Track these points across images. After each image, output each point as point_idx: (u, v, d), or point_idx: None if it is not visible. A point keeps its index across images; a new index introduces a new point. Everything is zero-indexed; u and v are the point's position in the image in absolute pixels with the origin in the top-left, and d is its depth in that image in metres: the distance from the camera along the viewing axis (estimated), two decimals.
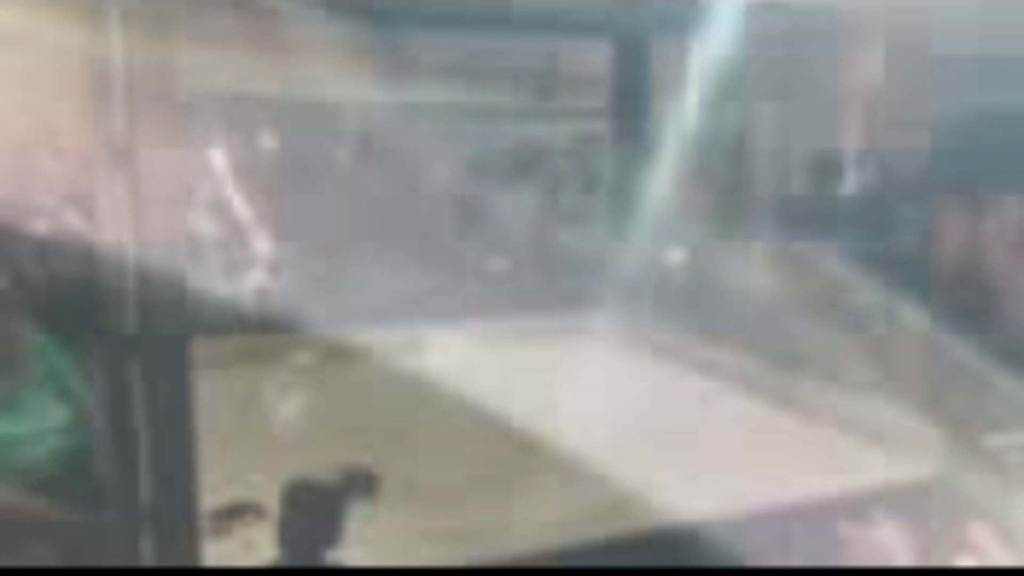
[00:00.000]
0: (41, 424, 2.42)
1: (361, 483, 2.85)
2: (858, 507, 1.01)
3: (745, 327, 4.33)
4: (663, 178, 4.69)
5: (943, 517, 0.88)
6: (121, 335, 1.97)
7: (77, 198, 3.85)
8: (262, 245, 5.10)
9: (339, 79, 6.44)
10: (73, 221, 3.68)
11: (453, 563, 2.35)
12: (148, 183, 1.82)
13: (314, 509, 2.14)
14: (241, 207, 5.10)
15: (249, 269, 5.09)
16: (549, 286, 5.51)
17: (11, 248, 2.94)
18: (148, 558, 2.00)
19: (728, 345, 4.14)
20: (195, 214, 4.84)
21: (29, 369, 2.43)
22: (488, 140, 7.03)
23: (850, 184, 5.73)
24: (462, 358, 4.17)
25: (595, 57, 5.08)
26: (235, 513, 2.66)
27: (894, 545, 0.92)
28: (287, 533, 2.10)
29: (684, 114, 5.56)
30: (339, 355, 4.11)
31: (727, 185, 5.32)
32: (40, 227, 3.47)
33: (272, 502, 2.11)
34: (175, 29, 1.86)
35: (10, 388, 2.40)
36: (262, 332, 4.39)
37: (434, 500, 2.88)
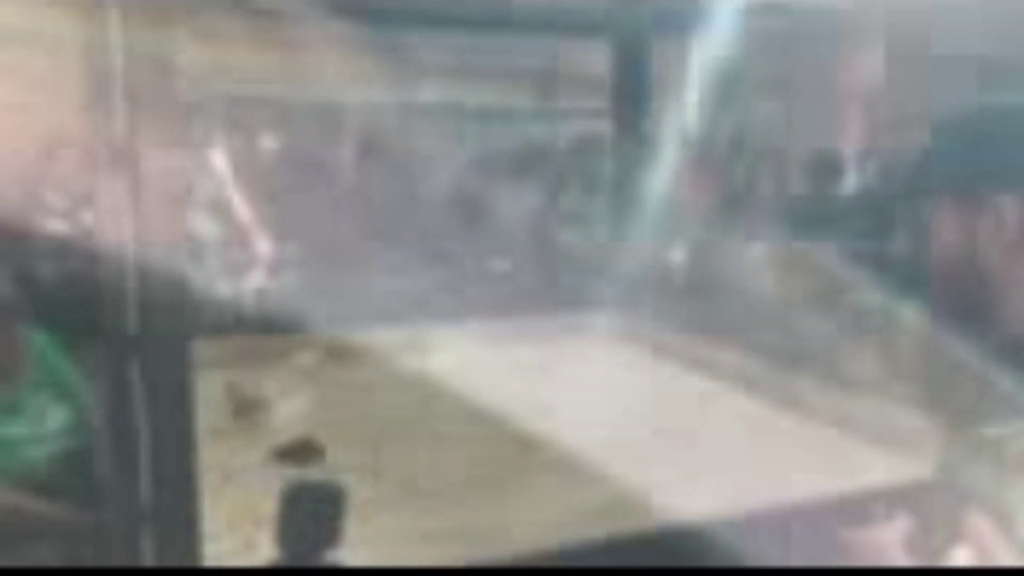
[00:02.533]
0: (40, 426, 2.42)
1: None
2: (858, 507, 1.01)
3: (745, 327, 4.33)
4: (664, 178, 4.69)
5: (944, 516, 0.88)
6: (121, 335, 1.97)
7: (79, 198, 3.86)
8: (263, 245, 5.10)
9: (340, 79, 6.44)
10: (75, 221, 3.68)
11: (453, 563, 2.35)
12: (148, 183, 1.82)
13: (314, 509, 2.14)
14: (242, 207, 5.10)
15: (250, 269, 5.09)
16: (550, 286, 5.51)
17: (11, 248, 2.95)
18: (148, 559, 2.00)
19: (728, 345, 4.14)
20: (196, 214, 4.84)
21: (29, 370, 2.44)
22: (489, 140, 7.03)
23: (850, 184, 5.74)
24: (463, 358, 4.17)
25: (595, 57, 5.08)
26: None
27: (894, 545, 0.92)
28: (286, 533, 2.10)
29: (684, 114, 5.56)
30: (341, 355, 4.11)
31: (727, 185, 5.33)
32: (41, 227, 3.47)
33: (272, 503, 2.11)
34: (176, 28, 1.86)
35: (10, 389, 2.40)
36: (263, 332, 4.40)
37: (434, 500, 2.88)
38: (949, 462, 0.91)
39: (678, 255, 5.34)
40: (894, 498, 0.93)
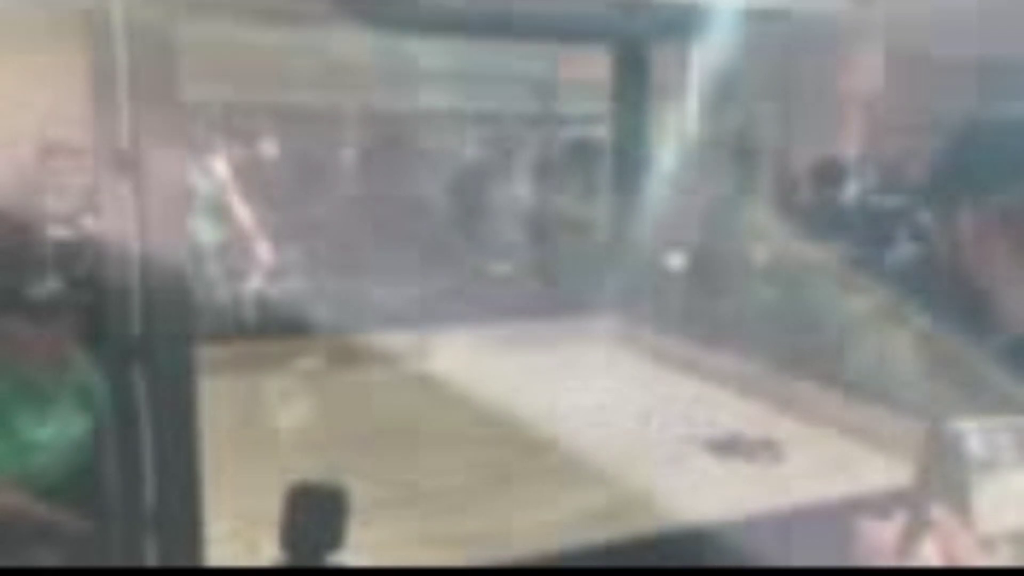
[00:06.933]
0: (63, 433, 2.44)
1: None
2: (858, 508, 1.02)
3: (745, 330, 4.33)
4: (664, 182, 4.70)
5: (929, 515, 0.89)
6: (124, 339, 1.98)
7: (83, 202, 3.87)
8: (264, 249, 5.11)
9: (340, 83, 6.45)
10: (78, 225, 3.69)
11: (454, 566, 2.36)
12: (152, 187, 1.83)
13: (316, 513, 2.14)
14: (244, 212, 5.11)
15: (252, 273, 5.09)
16: (551, 290, 5.52)
17: (13, 249, 2.95)
18: (152, 562, 2.01)
19: (728, 348, 4.14)
20: (197, 218, 4.85)
21: (62, 377, 2.46)
22: (489, 145, 7.04)
23: (850, 188, 5.74)
24: (465, 362, 4.18)
25: (595, 62, 5.09)
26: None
27: (893, 545, 0.93)
28: (289, 537, 2.11)
29: (684, 119, 5.57)
30: (344, 359, 4.12)
31: (727, 189, 5.34)
32: (43, 230, 3.48)
33: (276, 506, 2.12)
34: (178, 33, 1.87)
35: (43, 393, 2.42)
36: (266, 337, 4.40)
37: (436, 504, 2.89)
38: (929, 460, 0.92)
39: (678, 259, 5.34)
40: (892, 499, 0.94)
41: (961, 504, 0.85)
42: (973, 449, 0.86)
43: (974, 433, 0.86)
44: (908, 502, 0.92)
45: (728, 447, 3.28)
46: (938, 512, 0.86)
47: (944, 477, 0.88)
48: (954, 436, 0.87)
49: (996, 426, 0.87)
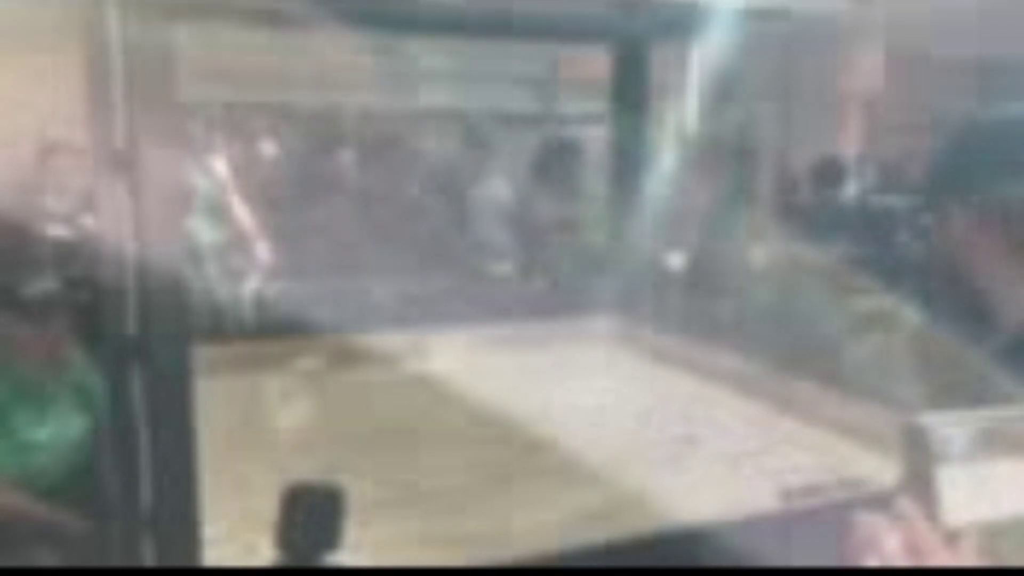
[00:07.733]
0: (61, 433, 2.44)
1: None
2: (857, 509, 1.02)
3: (745, 330, 4.33)
4: (664, 182, 4.70)
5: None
6: (122, 340, 1.97)
7: (80, 201, 3.88)
8: (264, 249, 5.11)
9: (340, 84, 6.46)
10: (76, 225, 3.70)
11: (454, 566, 2.35)
12: (149, 187, 1.82)
13: (314, 513, 2.14)
14: (243, 211, 5.11)
15: (251, 273, 5.10)
16: (550, 289, 5.52)
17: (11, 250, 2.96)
18: (149, 562, 2.01)
19: (728, 348, 4.14)
20: (196, 218, 4.85)
21: (60, 377, 2.46)
22: (488, 145, 7.04)
23: (850, 188, 5.75)
24: (465, 362, 4.18)
25: (595, 62, 5.09)
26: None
27: (893, 546, 0.93)
28: (287, 537, 2.11)
29: (683, 119, 5.57)
30: (343, 359, 4.12)
31: (727, 189, 5.34)
32: (40, 230, 3.48)
33: (274, 507, 2.11)
34: (178, 33, 1.87)
35: (41, 393, 2.42)
36: (266, 337, 4.40)
37: (436, 504, 2.88)
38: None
39: (678, 259, 5.35)
40: (889, 501, 0.94)
41: (926, 497, 0.86)
42: (937, 442, 0.86)
43: (939, 425, 0.86)
44: (882, 499, 0.92)
45: (806, 496, 2.93)
46: (904, 505, 0.87)
47: (910, 470, 0.88)
48: (918, 429, 0.87)
49: (962, 418, 0.87)
